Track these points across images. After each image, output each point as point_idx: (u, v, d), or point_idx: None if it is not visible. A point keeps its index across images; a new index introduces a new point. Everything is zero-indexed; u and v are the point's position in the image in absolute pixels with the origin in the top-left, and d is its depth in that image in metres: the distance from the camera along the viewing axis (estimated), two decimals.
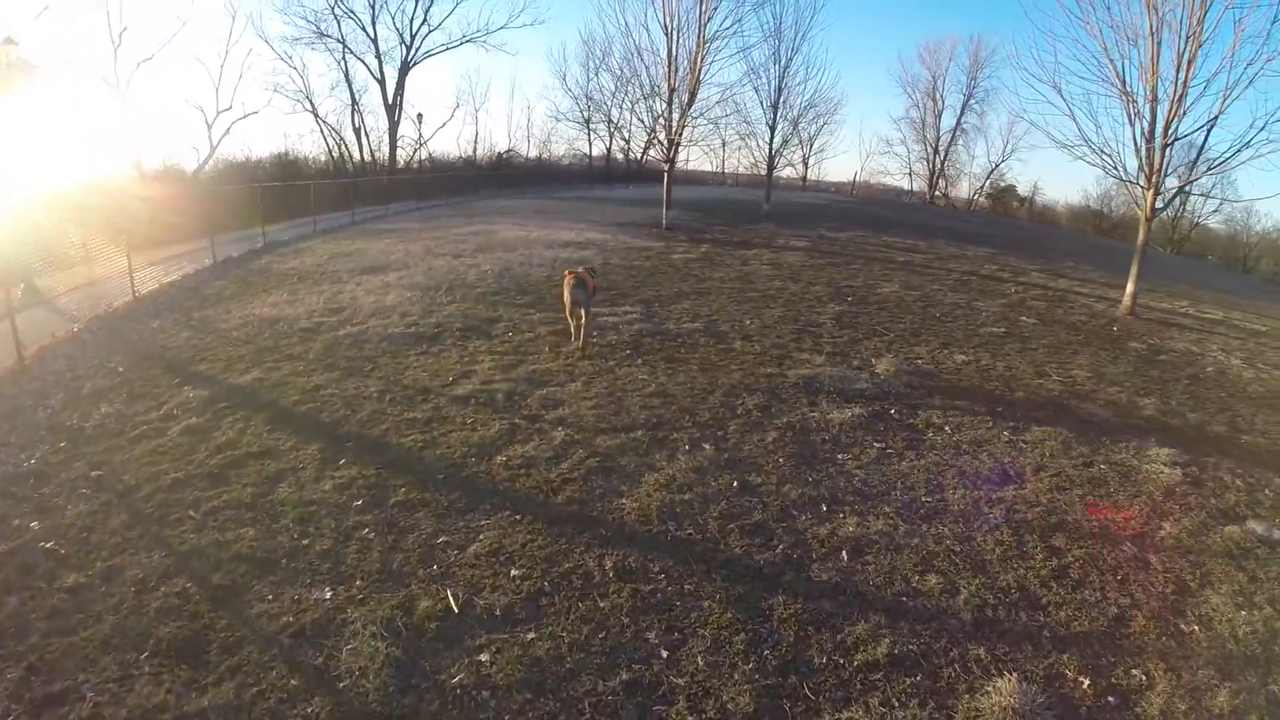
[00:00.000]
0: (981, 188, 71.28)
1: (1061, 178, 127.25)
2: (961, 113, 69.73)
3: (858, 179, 71.78)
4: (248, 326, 13.06)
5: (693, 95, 26.57)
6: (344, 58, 55.31)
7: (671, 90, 26.27)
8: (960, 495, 7.69)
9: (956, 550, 6.59)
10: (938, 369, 12.08)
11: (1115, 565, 6.60)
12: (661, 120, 26.75)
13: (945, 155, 70.47)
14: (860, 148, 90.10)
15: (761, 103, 34.06)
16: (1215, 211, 61.93)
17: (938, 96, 70.48)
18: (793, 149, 36.46)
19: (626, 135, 69.20)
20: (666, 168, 28.10)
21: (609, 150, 69.63)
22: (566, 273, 12.01)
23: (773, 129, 34.51)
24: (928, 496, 7.63)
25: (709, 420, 9.09)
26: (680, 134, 26.64)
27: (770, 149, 35.26)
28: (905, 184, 73.63)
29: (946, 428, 9.52)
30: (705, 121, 29.09)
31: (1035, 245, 35.92)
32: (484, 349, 11.57)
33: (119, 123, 43.65)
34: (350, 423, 8.67)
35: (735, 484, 7.49)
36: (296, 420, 8.79)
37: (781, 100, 34.08)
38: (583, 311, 11.75)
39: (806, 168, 35.39)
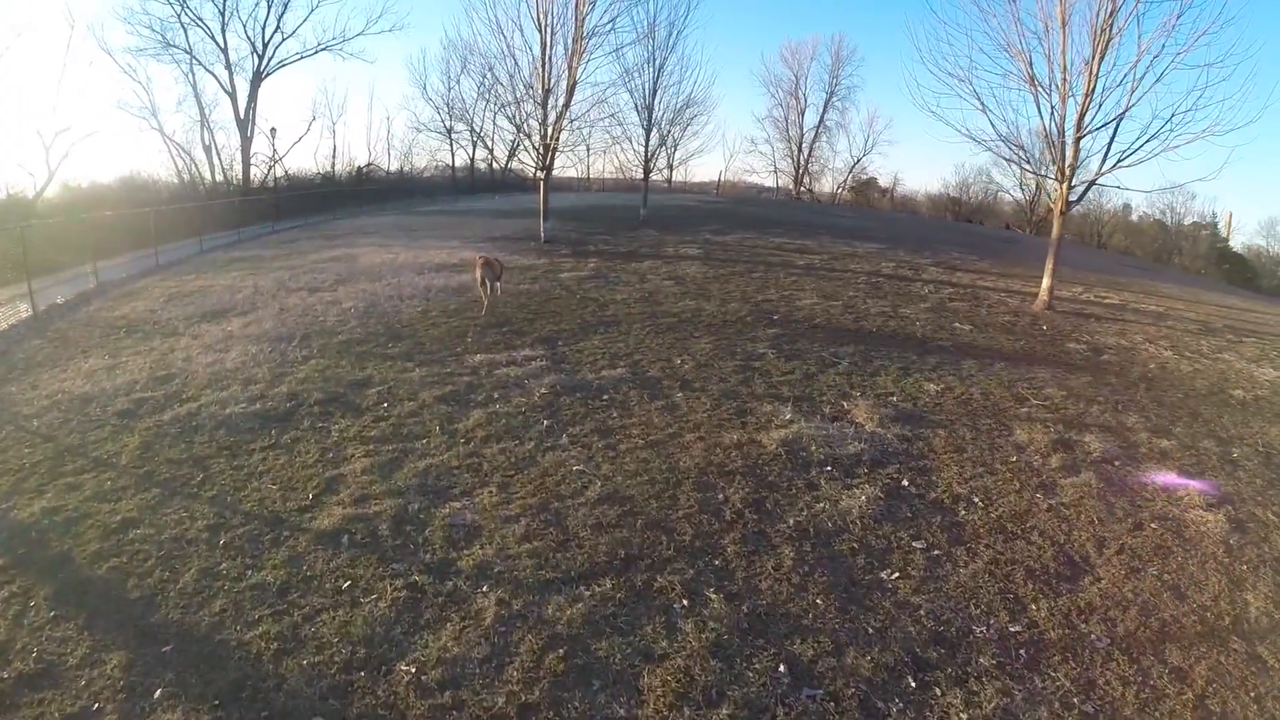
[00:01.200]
0: (845, 181, 71.46)
1: (919, 169, 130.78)
2: (824, 110, 69.59)
3: (723, 179, 70.64)
4: (54, 410, 9.44)
5: (569, 97, 23.84)
6: (192, 69, 49.32)
7: (546, 91, 23.48)
8: (1045, 610, 5.61)
9: (1091, 712, 4.55)
10: (916, 406, 9.90)
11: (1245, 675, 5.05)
12: (536, 124, 23.98)
13: (809, 152, 70.22)
14: (724, 147, 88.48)
15: (636, 105, 31.62)
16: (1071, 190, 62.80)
17: (800, 95, 69.97)
18: (669, 151, 34.06)
19: (490, 144, 65.94)
20: (542, 176, 25.06)
21: (473, 160, 65.87)
22: (478, 258, 15.72)
23: (647, 131, 32.09)
24: (1014, 623, 5.41)
25: (694, 539, 6.34)
26: (556, 139, 23.87)
27: (646, 152, 32.81)
28: (770, 181, 73.30)
29: (975, 498, 7.35)
30: (582, 125, 26.30)
31: (914, 237, 34.87)
32: (353, 433, 8.45)
33: None
34: (169, 603, 5.34)
35: (781, 666, 4.79)
36: (95, 596, 5.45)
37: (656, 101, 31.75)
38: (493, 285, 15.07)
39: (672, 170, 33.25)
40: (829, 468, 7.90)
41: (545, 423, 8.77)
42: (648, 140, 32.23)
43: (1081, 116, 16.24)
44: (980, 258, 27.14)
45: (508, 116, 24.69)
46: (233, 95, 51.96)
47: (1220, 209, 63.58)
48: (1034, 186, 63.75)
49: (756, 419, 9.18)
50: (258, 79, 53.00)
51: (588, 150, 58.09)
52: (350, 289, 16.88)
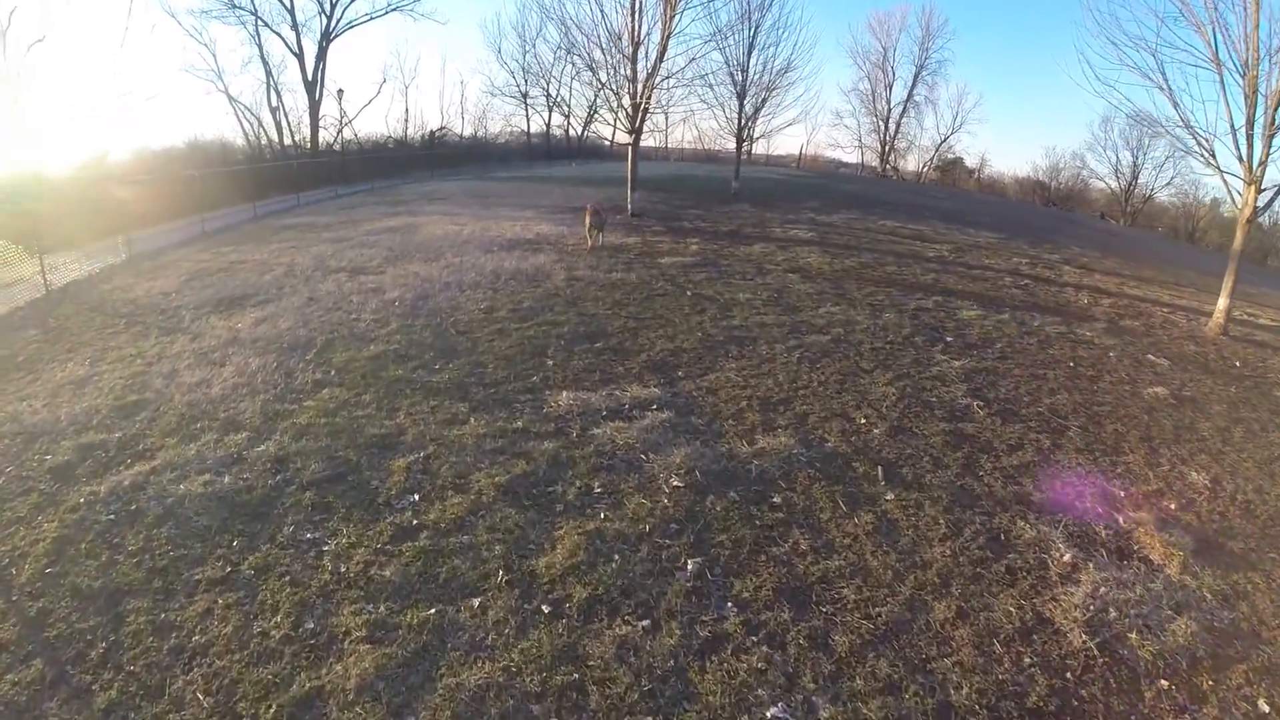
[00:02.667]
0: (931, 160, 65.40)
1: (1006, 151, 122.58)
2: (913, 85, 62.98)
3: (804, 152, 65.13)
4: None
5: (663, 50, 19.65)
6: (258, 30, 46.37)
7: (636, 45, 19.37)
8: None
9: None
10: (1201, 519, 5.98)
11: None
12: (625, 82, 19.85)
13: (896, 128, 64.12)
14: (807, 120, 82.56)
15: (729, 66, 27.12)
16: (1168, 185, 57.07)
17: (888, 68, 63.58)
18: (765, 119, 29.37)
19: (567, 109, 61.97)
20: (630, 141, 21.03)
21: (548, 126, 61.79)
22: (587, 208, 16.09)
23: (741, 97, 27.52)
24: None
25: None
26: (648, 98, 19.74)
27: (740, 119, 28.29)
28: (853, 157, 67.51)
29: None
30: (675, 84, 22.00)
31: (1023, 225, 29.82)
32: (356, 568, 4.70)
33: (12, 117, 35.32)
34: None
35: None
36: None
37: (751, 63, 27.24)
38: (599, 234, 15.78)
39: (753, 142, 28.58)
40: (1163, 678, 4.15)
41: (688, 564, 4.83)
42: (741, 106, 27.75)
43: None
44: (1103, 254, 22.36)
45: (591, 72, 20.40)
46: (300, 57, 48.62)
47: None
48: (1129, 175, 57.54)
49: (1024, 560, 5.19)
50: (326, 40, 49.55)
51: (666, 118, 53.77)
52: (400, 272, 13.13)
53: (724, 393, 7.68)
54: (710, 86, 26.55)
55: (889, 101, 63.63)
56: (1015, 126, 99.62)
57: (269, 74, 47.97)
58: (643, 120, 20.14)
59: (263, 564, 4.76)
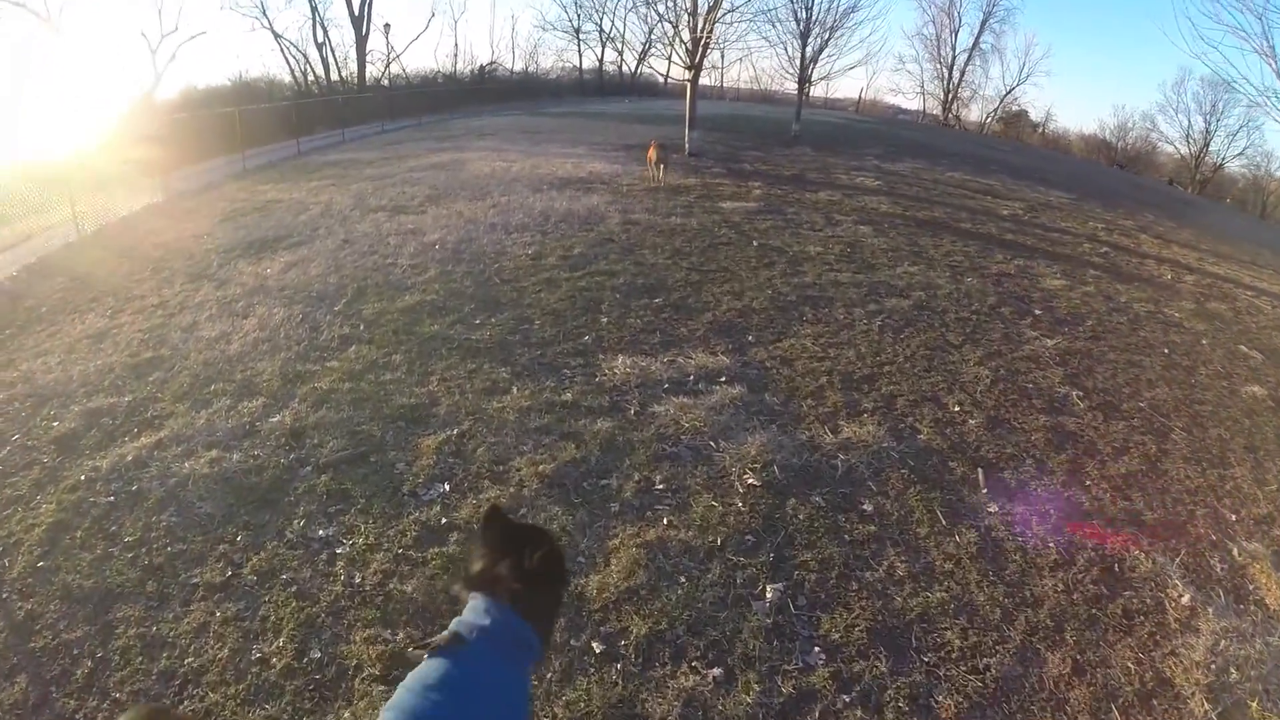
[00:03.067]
0: (995, 111, 61.94)
1: (1073, 106, 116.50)
2: (980, 31, 59.11)
3: (863, 97, 62.02)
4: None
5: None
6: None
7: None
8: None
9: None
10: None
11: None
12: (685, 15, 18.51)
13: (961, 76, 60.41)
14: (871, 62, 78.25)
15: (793, 2, 25.41)
16: (1239, 155, 53.49)
17: (954, 13, 59.91)
18: (830, 59, 27.61)
19: (620, 45, 60.07)
20: (689, 77, 19.65)
21: (601, 61, 59.86)
22: (651, 144, 15.83)
23: (804, 36, 25.86)
24: None
25: None
26: (709, 32, 18.38)
27: (802, 59, 26.65)
28: (913, 104, 64.07)
29: None
30: (738, 19, 20.53)
31: (1093, 186, 27.41)
32: (374, 579, 3.85)
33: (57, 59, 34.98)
34: None
35: None
36: None
37: (816, 1, 25.50)
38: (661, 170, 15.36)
39: (812, 84, 26.77)
40: None
41: (768, 592, 3.87)
42: (804, 47, 26.09)
43: None
44: (1178, 224, 20.37)
45: (648, 4, 19.05)
46: None
47: None
48: (1201, 142, 53.96)
49: (1140, 600, 4.11)
50: None
51: (723, 55, 51.52)
52: (443, 211, 12.27)
53: (800, 364, 6.68)
54: (773, 24, 25.01)
55: (954, 48, 59.86)
56: (1082, 82, 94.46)
57: (314, 9, 46.89)
58: (702, 56, 18.79)
59: (267, 567, 3.98)
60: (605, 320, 7.48)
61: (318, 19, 47.26)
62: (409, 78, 51.86)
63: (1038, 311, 8.93)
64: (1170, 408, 6.66)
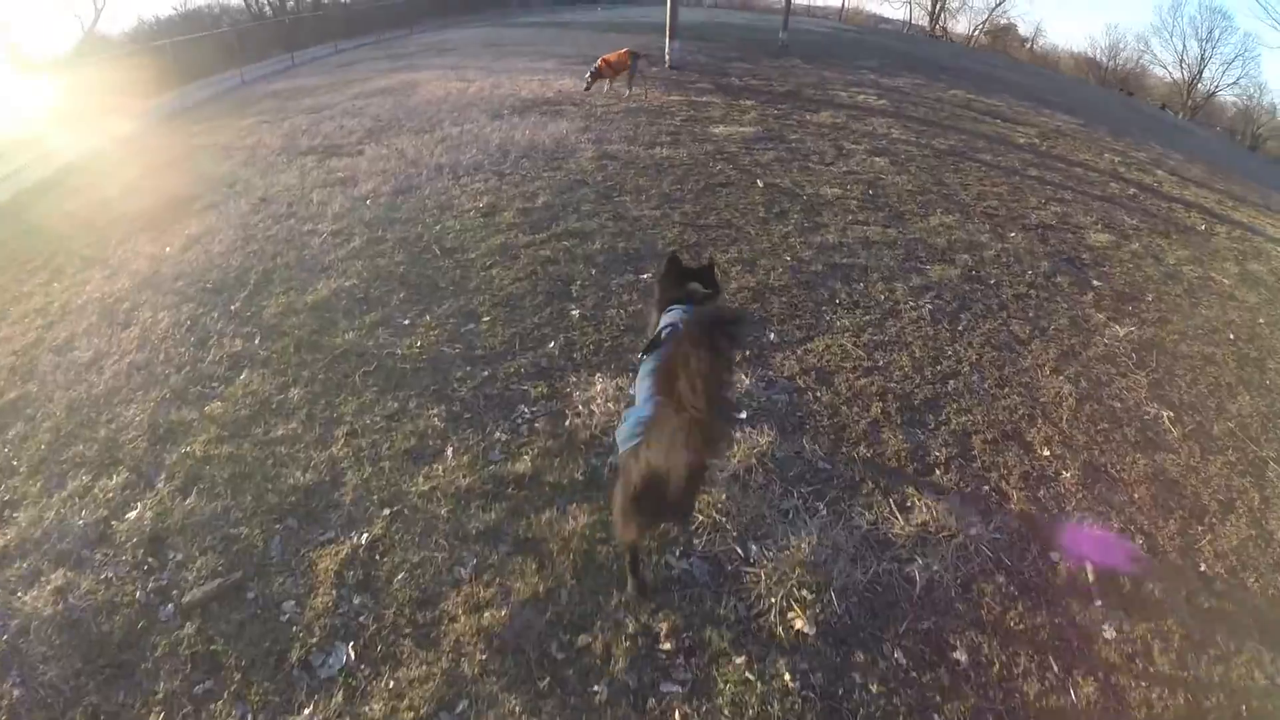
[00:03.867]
0: (983, 24, 58.03)
1: (1063, 22, 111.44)
2: None
3: (846, 5, 57.62)
4: None
5: None
6: None
7: None
8: None
9: None
10: None
11: None
12: None
13: None
14: None
15: None
16: (1234, 84, 50.94)
17: None
18: None
19: None
20: None
21: None
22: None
23: None
24: None
25: None
26: None
27: None
28: (897, 13, 60.07)
29: None
30: None
31: (1099, 111, 24.68)
32: None
33: None
34: None
35: None
36: None
37: None
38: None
39: None
40: None
41: None
42: None
43: None
44: (1186, 158, 18.16)
45: None
46: None
47: None
48: (1195, 68, 51.07)
49: None
50: None
51: None
52: (382, 151, 10.08)
53: (843, 381, 4.76)
54: None
55: None
56: None
57: None
58: None
59: None
60: (576, 313, 5.50)
61: None
62: None
63: (1096, 282, 7.01)
64: (1257, 427, 4.91)
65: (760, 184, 8.58)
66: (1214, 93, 51.68)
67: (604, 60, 13.72)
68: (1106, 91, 43.40)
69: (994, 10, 56.97)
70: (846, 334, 5.34)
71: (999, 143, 13.10)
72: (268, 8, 43.44)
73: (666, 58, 17.32)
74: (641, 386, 2.78)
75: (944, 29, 56.17)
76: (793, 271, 6.32)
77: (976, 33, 57.26)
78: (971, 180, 9.89)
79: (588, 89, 13.61)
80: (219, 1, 42.03)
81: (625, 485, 2.55)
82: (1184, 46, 52.02)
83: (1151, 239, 8.73)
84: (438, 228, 7.18)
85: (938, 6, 55.97)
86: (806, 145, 10.61)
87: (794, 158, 9.90)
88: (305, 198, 8.41)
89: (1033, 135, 14.55)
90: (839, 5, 52.09)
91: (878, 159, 10.31)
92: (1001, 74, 29.87)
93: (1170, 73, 52.97)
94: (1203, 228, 9.96)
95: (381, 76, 17.87)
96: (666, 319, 3.02)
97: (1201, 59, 51.31)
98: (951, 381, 4.89)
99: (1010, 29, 58.76)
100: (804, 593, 3.15)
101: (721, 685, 2.77)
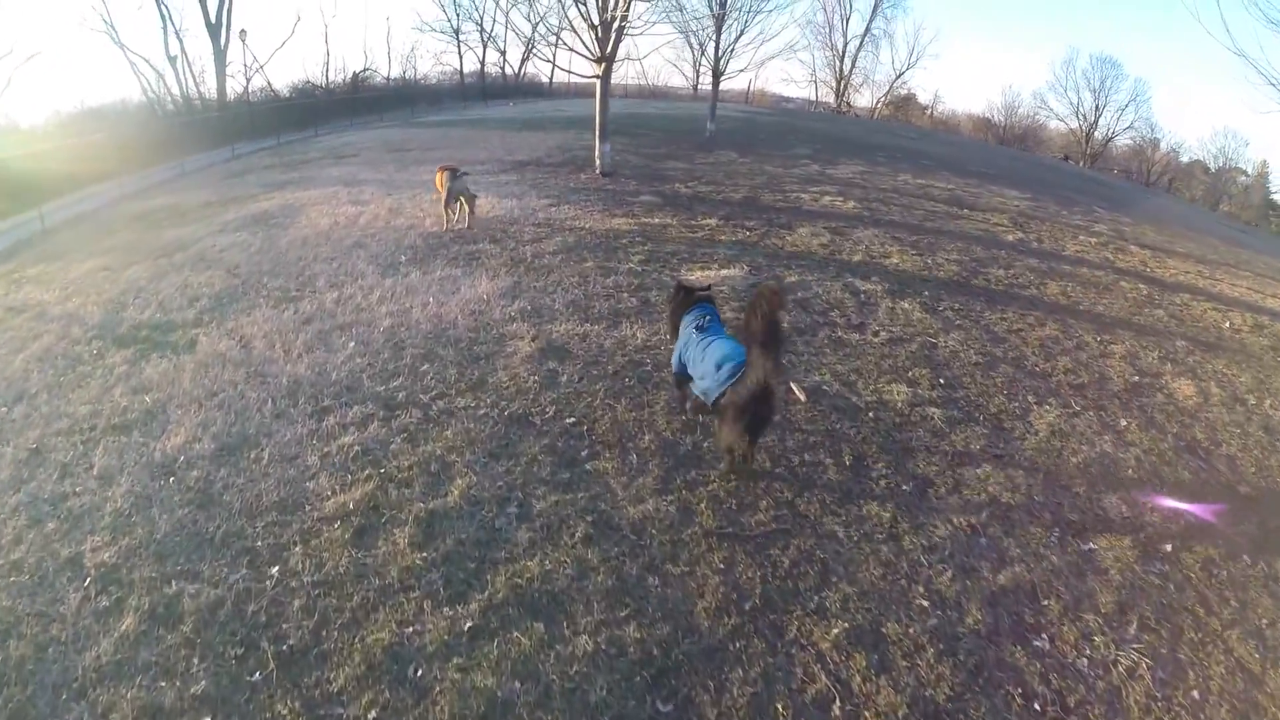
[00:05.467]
0: (885, 96, 57.27)
1: (958, 88, 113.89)
2: (872, 17, 53.19)
3: (752, 88, 56.11)
4: None
5: None
6: None
7: None
8: None
9: None
10: None
11: None
12: (593, 2, 12.64)
13: (854, 62, 55.56)
14: (754, 52, 71.31)
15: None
16: (1128, 128, 51.58)
17: (845, 1, 55.29)
18: (747, 50, 22.15)
19: (502, 45, 53.01)
20: (599, 72, 13.43)
21: (483, 63, 52.65)
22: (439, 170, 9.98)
23: (719, 22, 20.34)
24: None
25: None
26: (625, 13, 12.60)
27: (717, 50, 21.09)
28: (798, 92, 58.98)
29: None
30: (653, 3, 14.67)
31: (1026, 177, 23.47)
32: None
33: None
34: None
35: None
36: None
37: None
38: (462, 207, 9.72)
39: (718, 78, 21.01)
40: None
41: None
42: (719, 36, 20.62)
43: None
44: (1132, 219, 16.74)
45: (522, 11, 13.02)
46: None
47: (1249, 154, 51.20)
48: (1091, 117, 51.78)
49: None
50: None
51: (630, 46, 44.96)
52: (222, 339, 6.34)
53: None
54: (681, 8, 19.46)
55: (845, 34, 55.27)
56: (968, 64, 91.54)
57: (164, 17, 38.55)
58: (616, 44, 13.00)
59: None
60: None
61: (170, 28, 38.92)
62: (274, 91, 43.85)
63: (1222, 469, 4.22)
64: None
65: (803, 398, 5.22)
66: (1111, 138, 52.11)
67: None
68: (1016, 152, 42.66)
69: (894, 82, 56.34)
70: None
71: (991, 244, 10.81)
72: (170, 105, 38.96)
73: (597, 163, 14.10)
74: (704, 345, 4.04)
75: (849, 104, 55.14)
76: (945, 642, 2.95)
77: (879, 105, 56.40)
78: (1023, 328, 7.22)
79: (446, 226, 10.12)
80: (123, 99, 37.48)
81: (736, 409, 3.72)
82: (1079, 98, 52.31)
83: (1210, 361, 6.96)
84: (274, 591, 3.50)
85: (842, 84, 54.94)
86: (816, 294, 7.40)
87: (812, 322, 6.66)
88: (84, 458, 4.69)
89: (1006, 224, 12.62)
90: (744, 88, 50.10)
91: (903, 303, 7.39)
92: (922, 146, 28.04)
93: (1068, 124, 53.23)
94: (1227, 326, 8.24)
95: (265, 194, 14.12)
96: (691, 315, 4.31)
97: (1097, 108, 51.61)
98: None
99: (911, 98, 58.37)
100: None
101: None
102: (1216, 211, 42.26)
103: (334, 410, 5.01)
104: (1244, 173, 49.97)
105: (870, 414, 5.21)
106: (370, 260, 8.34)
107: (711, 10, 19.65)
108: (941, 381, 5.87)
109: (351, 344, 5.99)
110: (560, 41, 13.09)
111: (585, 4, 12.39)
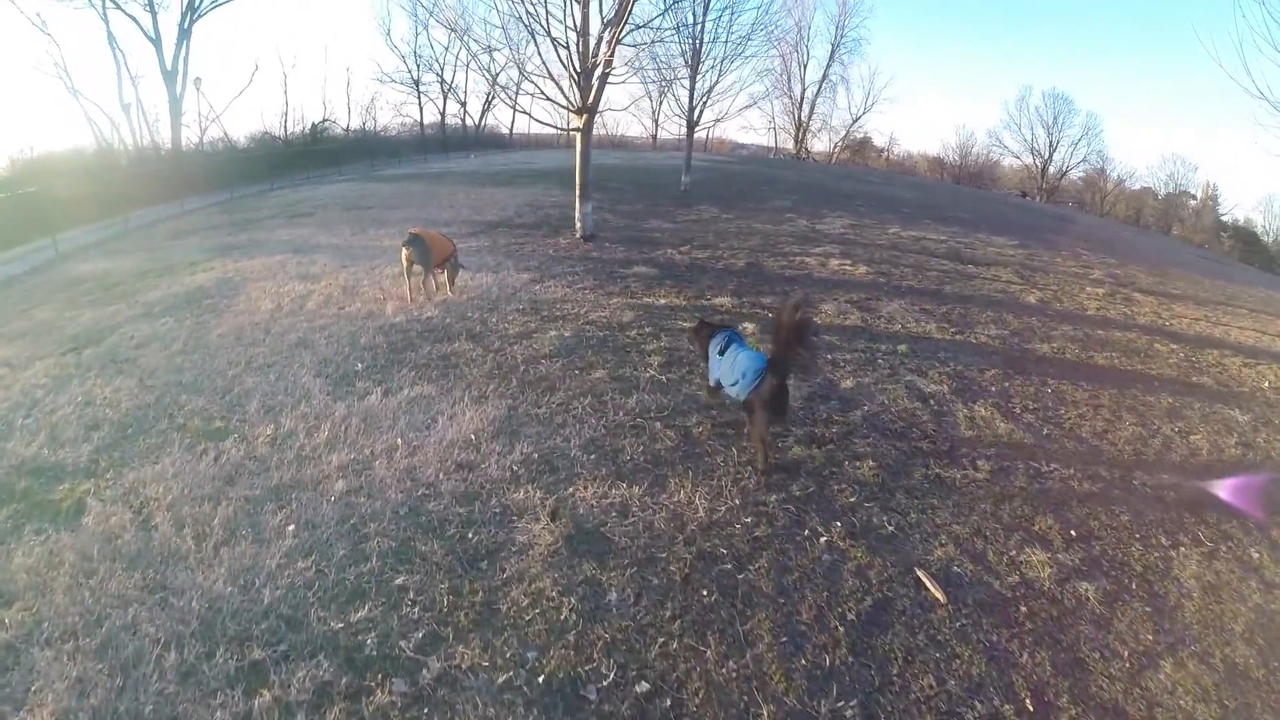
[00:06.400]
0: (843, 140, 56.88)
1: (912, 128, 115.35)
2: (828, 64, 53.64)
3: (711, 136, 55.06)
4: None
5: (626, 6, 10.73)
6: (105, 10, 34.40)
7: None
8: None
9: None
10: None
11: None
12: (573, 41, 10.93)
13: (811, 109, 54.87)
14: (731, 100, 70.37)
15: (680, 42, 18.39)
16: (1081, 162, 52.44)
17: (803, 47, 53.87)
18: (725, 98, 20.71)
19: (463, 97, 51.28)
20: (580, 124, 11.59)
21: (443, 115, 50.89)
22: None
23: (693, 70, 18.87)
24: None
25: None
26: (611, 58, 10.91)
27: (691, 99, 19.64)
28: (752, 139, 58.30)
29: None
30: (643, 39, 12.96)
31: (1002, 219, 23.00)
32: None
33: None
34: None
35: None
36: None
37: (710, 28, 18.57)
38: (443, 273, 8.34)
39: (693, 127, 19.49)
40: None
41: None
42: (693, 83, 19.12)
43: None
44: (1116, 258, 16.46)
45: (527, 27, 11.30)
46: (157, 43, 36.54)
47: (1199, 178, 52.20)
48: (1046, 152, 52.00)
49: None
50: (188, 21, 37.62)
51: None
52: (110, 509, 4.25)
53: None
54: (653, 57, 17.93)
55: (804, 81, 54.68)
56: (926, 106, 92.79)
57: (119, 64, 36.14)
58: (599, 93, 11.28)
59: None
60: None
61: (126, 75, 36.40)
62: (231, 141, 41.37)
63: None
64: None
65: (941, 596, 3.51)
66: (1066, 172, 52.32)
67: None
68: (975, 190, 42.26)
69: (851, 127, 56.01)
70: None
71: (1019, 310, 9.70)
72: (124, 156, 36.34)
73: (577, 225, 12.28)
74: (728, 360, 4.72)
75: (807, 150, 54.59)
76: None
77: (837, 149, 56.00)
78: (1104, 427, 6.02)
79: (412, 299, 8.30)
80: (76, 147, 34.79)
81: (763, 404, 4.39)
82: (1033, 134, 52.42)
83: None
84: None
85: (801, 130, 54.31)
86: (883, 406, 5.73)
87: (899, 455, 5.02)
88: None
89: (1017, 280, 11.63)
90: (703, 136, 49.20)
91: (988, 416, 5.91)
92: (891, 191, 27.23)
93: (1023, 160, 53.37)
94: (1265, 385, 7.47)
95: (206, 262, 12.01)
96: (717, 339, 5.00)
97: (1051, 144, 51.69)
98: None
99: (867, 142, 58.30)
100: None
101: None
102: (1170, 236, 42.38)
103: (268, 670, 3.00)
104: (1192, 196, 50.52)
105: (1021, 606, 3.57)
106: (318, 368, 6.32)
107: (685, 59, 18.06)
108: (1072, 533, 4.25)
109: (291, 528, 3.97)
110: (539, 92, 11.27)
111: (568, 48, 10.62)
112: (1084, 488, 4.85)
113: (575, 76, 10.92)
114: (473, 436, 4.86)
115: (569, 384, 5.82)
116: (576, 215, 12.36)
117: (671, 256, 11.15)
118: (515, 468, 4.52)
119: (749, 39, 18.63)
